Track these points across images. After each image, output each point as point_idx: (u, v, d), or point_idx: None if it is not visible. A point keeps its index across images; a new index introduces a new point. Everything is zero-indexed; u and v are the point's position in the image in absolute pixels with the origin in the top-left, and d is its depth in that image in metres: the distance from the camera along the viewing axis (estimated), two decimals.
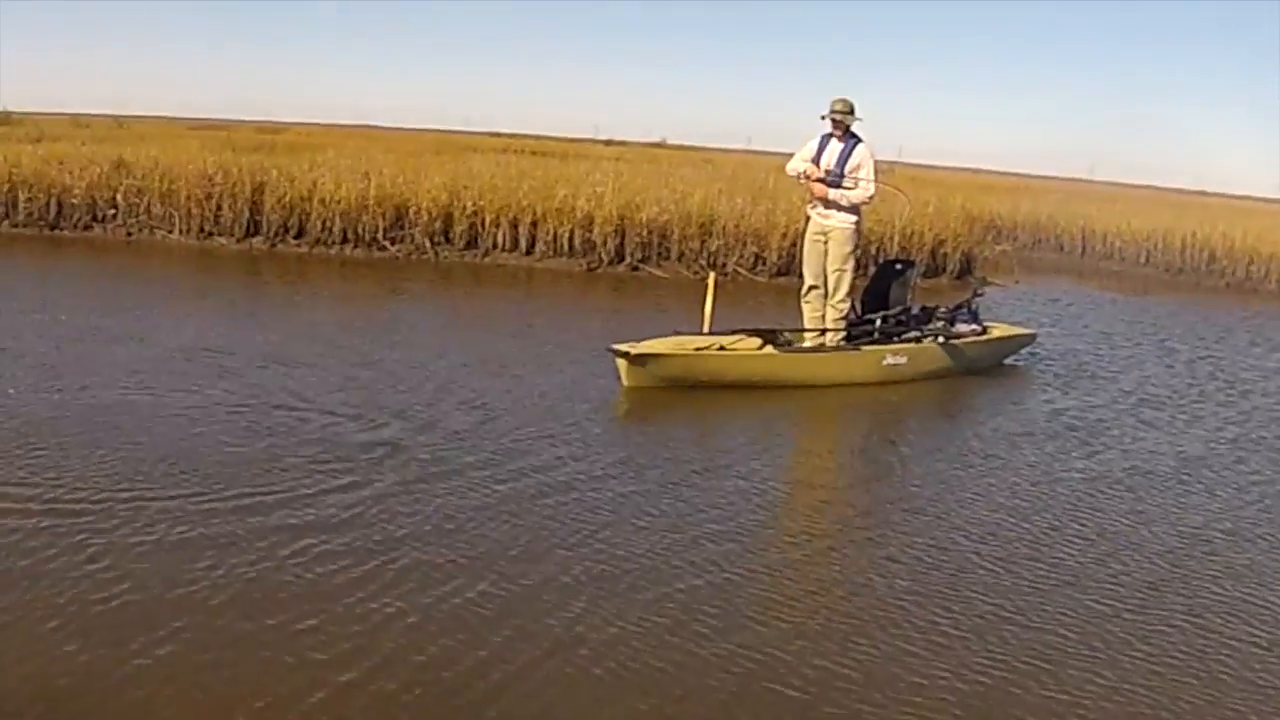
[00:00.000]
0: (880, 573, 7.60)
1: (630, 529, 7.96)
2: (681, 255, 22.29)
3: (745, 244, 22.32)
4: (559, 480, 8.86)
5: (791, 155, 13.61)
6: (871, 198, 13.27)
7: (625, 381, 11.97)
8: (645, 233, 22.14)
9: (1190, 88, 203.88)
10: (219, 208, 21.83)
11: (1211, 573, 8.05)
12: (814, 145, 13.24)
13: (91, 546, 6.90)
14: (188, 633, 5.96)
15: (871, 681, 6.02)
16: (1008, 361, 15.21)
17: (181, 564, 6.75)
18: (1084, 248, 34.50)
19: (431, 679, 5.72)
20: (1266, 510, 9.70)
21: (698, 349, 12.39)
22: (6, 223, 22.03)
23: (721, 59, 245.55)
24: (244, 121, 61.75)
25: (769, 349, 12.86)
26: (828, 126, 13.15)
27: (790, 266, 20.56)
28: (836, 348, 13.27)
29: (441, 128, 73.44)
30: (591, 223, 22.01)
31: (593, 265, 21.93)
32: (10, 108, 41.51)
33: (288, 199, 21.90)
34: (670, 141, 75.46)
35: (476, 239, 22.30)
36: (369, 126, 71.03)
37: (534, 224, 22.19)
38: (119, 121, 43.40)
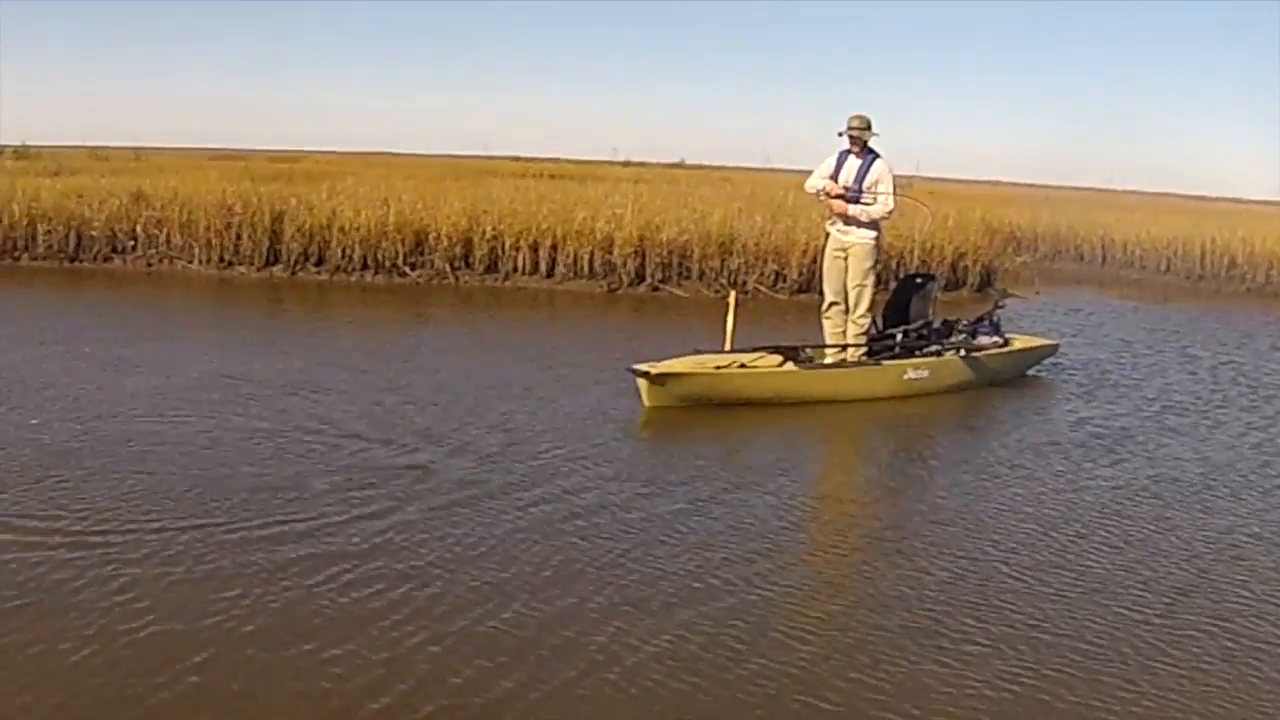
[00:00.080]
0: (909, 584, 7.59)
1: (661, 548, 7.95)
2: (702, 274, 22.33)
3: (765, 262, 22.32)
4: (587, 502, 8.85)
5: (810, 172, 13.62)
6: (891, 212, 13.27)
7: (646, 402, 11.96)
8: (665, 253, 22.17)
9: (1210, 93, 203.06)
10: (239, 237, 21.90)
11: (1239, 577, 8.02)
12: (832, 162, 13.26)
13: (119, 576, 6.90)
14: (217, 662, 5.94)
15: (903, 693, 6.01)
16: (1030, 372, 15.17)
17: (210, 593, 6.75)
18: (1104, 257, 34.44)
19: (465, 705, 5.70)
20: None
21: (718, 368, 12.39)
22: (27, 255, 22.16)
23: (738, 78, 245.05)
24: (261, 151, 61.91)
25: (790, 366, 12.84)
26: (845, 143, 13.16)
27: (811, 283, 20.55)
28: (858, 363, 13.25)
29: (460, 153, 73.51)
30: (611, 244, 22.05)
31: (613, 286, 21.96)
32: (28, 141, 41.68)
33: (307, 227, 21.96)
34: (689, 162, 75.39)
35: (497, 263, 22.32)
36: (387, 153, 71.18)
37: (554, 247, 22.20)
38: (137, 153, 43.60)
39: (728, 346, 12.66)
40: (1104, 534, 8.79)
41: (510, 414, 11.44)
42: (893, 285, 15.34)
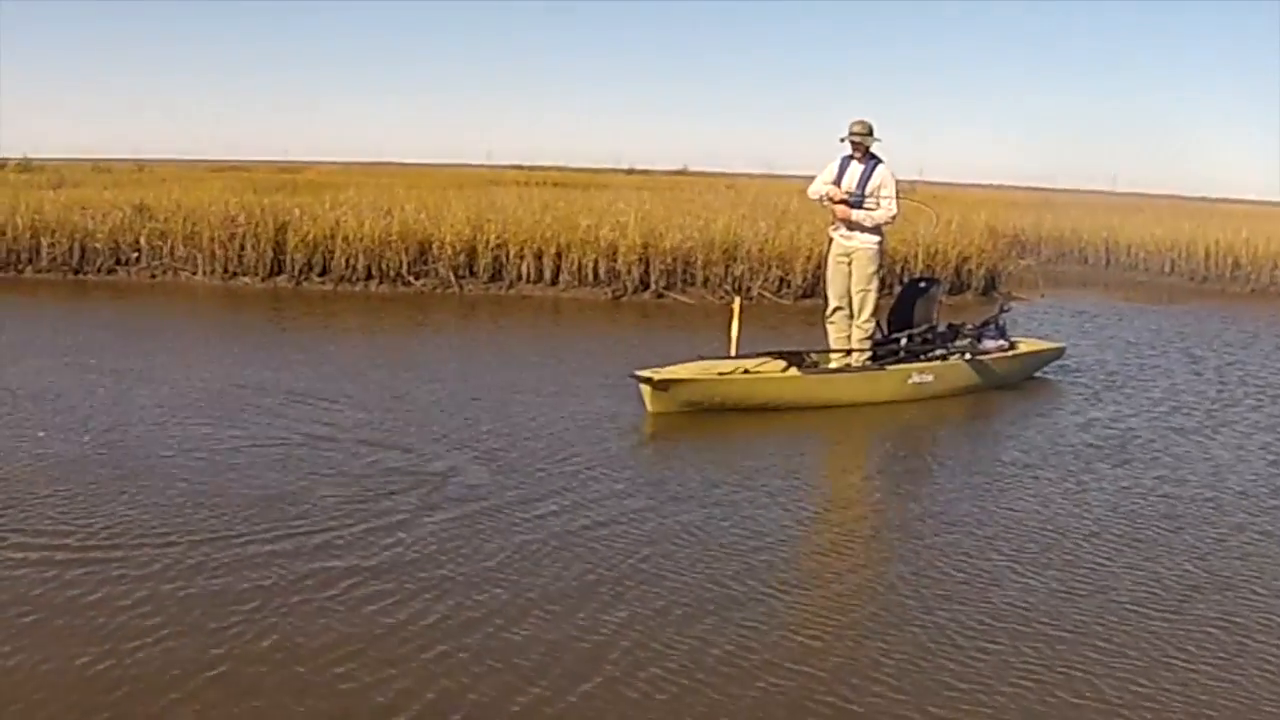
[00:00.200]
0: (918, 586, 7.60)
1: (665, 552, 7.96)
2: (706, 281, 22.31)
3: (769, 268, 22.31)
4: (600, 510, 8.83)
5: (813, 178, 13.62)
6: (894, 217, 13.29)
7: (650, 408, 11.95)
8: (669, 260, 22.15)
9: (1214, 94, 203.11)
10: (242, 248, 21.91)
11: (1245, 577, 8.02)
12: (834, 168, 13.26)
13: (130, 591, 6.88)
14: (230, 678, 5.91)
15: (912, 694, 6.01)
16: (1036, 375, 15.16)
17: (221, 607, 6.72)
18: (1108, 259, 34.40)
19: (469, 700, 5.73)
20: None
21: (721, 373, 12.38)
22: (31, 268, 22.17)
23: (740, 85, 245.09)
24: (264, 162, 62.09)
25: (793, 371, 12.85)
26: (847, 149, 13.17)
27: (815, 289, 20.54)
28: (862, 368, 13.24)
29: (463, 162, 73.59)
30: (615, 251, 22.03)
31: (618, 294, 21.95)
32: (31, 155, 41.71)
33: (311, 237, 21.95)
34: (692, 168, 75.47)
35: (501, 271, 22.33)
36: (390, 163, 71.24)
37: (558, 254, 22.20)
38: (140, 165, 43.65)
39: (732, 352, 12.65)
40: (1113, 534, 8.79)
41: (518, 422, 11.44)
42: (897, 290, 15.36)
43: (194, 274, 22.03)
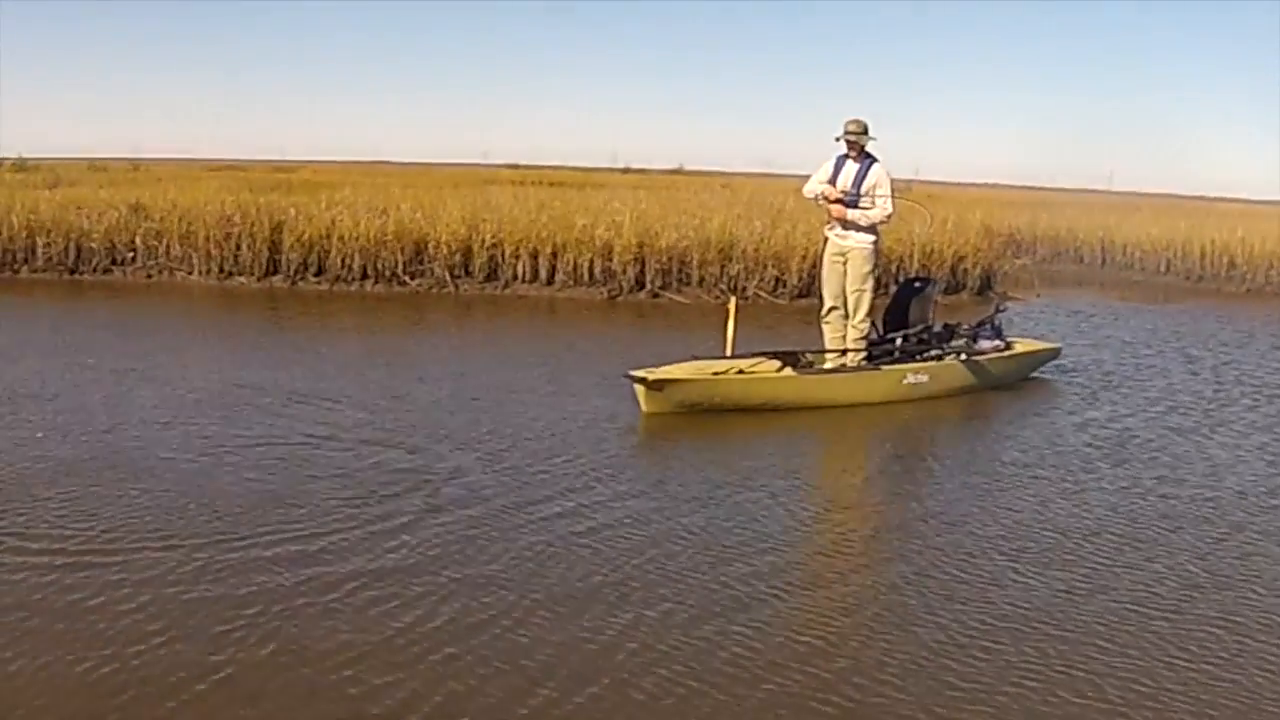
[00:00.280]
0: (918, 587, 7.61)
1: (666, 553, 7.96)
2: (702, 280, 22.32)
3: (765, 267, 22.31)
4: (601, 512, 8.81)
5: (809, 177, 13.61)
6: (890, 216, 13.26)
7: (644, 408, 11.95)
8: (665, 259, 22.15)
9: (1208, 92, 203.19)
10: (238, 247, 21.90)
11: (1245, 576, 8.04)
12: (830, 167, 13.25)
13: (131, 594, 6.86)
14: (235, 683, 5.89)
15: (913, 695, 6.03)
16: (1033, 375, 15.16)
17: (224, 611, 6.70)
18: (1104, 258, 34.45)
19: (472, 707, 5.71)
20: None
21: (716, 373, 12.38)
22: (26, 268, 22.16)
23: (736, 83, 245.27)
24: (259, 161, 62.07)
25: (788, 371, 12.84)
26: (843, 148, 13.17)
27: (811, 288, 20.49)
28: (857, 368, 13.24)
29: (459, 161, 73.55)
30: (611, 251, 22.04)
31: (613, 293, 21.96)
32: (26, 154, 41.67)
33: (307, 237, 21.95)
34: (688, 167, 75.35)
35: (497, 271, 22.32)
36: (385, 163, 71.28)
37: (554, 254, 22.20)
38: (135, 165, 43.64)
39: (729, 352, 12.65)
40: (1113, 533, 8.81)
41: (518, 422, 11.44)
42: (893, 289, 15.34)
43: (189, 274, 22.02)
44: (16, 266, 22.16)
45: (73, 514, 8.19)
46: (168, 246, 22.14)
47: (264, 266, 21.95)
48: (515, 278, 22.27)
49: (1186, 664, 6.57)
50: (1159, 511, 9.45)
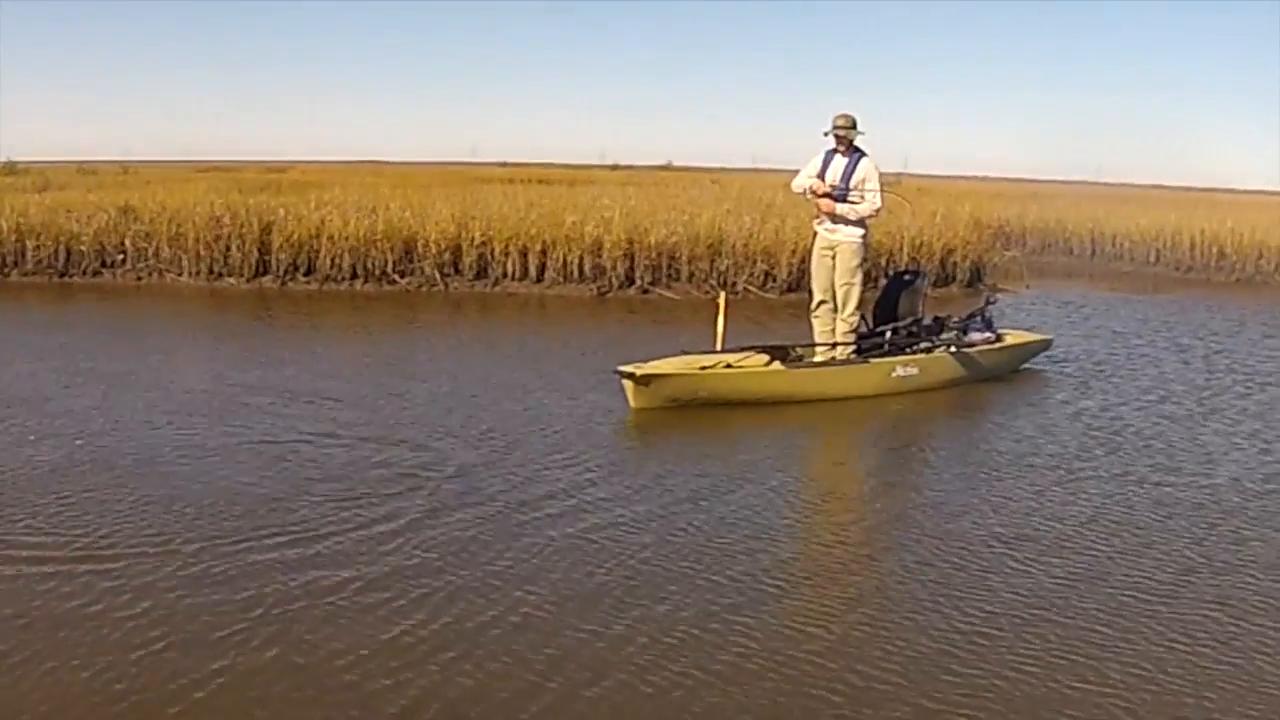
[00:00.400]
0: (916, 577, 7.62)
1: (667, 548, 7.96)
2: (691, 276, 22.32)
3: (755, 262, 22.32)
4: (598, 508, 8.81)
5: (797, 172, 13.62)
6: (878, 210, 13.29)
7: (632, 403, 11.94)
8: (654, 255, 22.16)
9: (1196, 83, 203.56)
10: (228, 248, 21.86)
11: (1241, 561, 8.07)
12: (818, 162, 13.27)
13: (129, 596, 6.84)
14: (233, 673, 5.91)
15: (918, 684, 6.04)
16: (1024, 365, 15.18)
17: (224, 612, 6.68)
18: (1093, 250, 34.48)
19: (481, 707, 5.70)
20: None
21: (703, 368, 12.37)
22: (16, 271, 22.09)
23: (723, 79, 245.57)
24: (249, 162, 62.00)
25: (776, 365, 12.84)
26: (831, 143, 13.18)
27: (800, 283, 20.41)
28: (845, 361, 13.24)
29: (448, 160, 73.56)
30: (600, 248, 22.03)
31: (603, 290, 21.95)
32: (15, 158, 41.61)
33: (296, 237, 21.91)
34: (676, 163, 75.52)
35: (486, 269, 22.31)
36: (374, 162, 71.25)
37: (543, 251, 22.18)
38: (124, 167, 43.58)
39: (719, 347, 12.65)
40: (1106, 522, 8.83)
41: (511, 420, 11.44)
42: (882, 283, 15.35)
43: (179, 275, 21.97)
44: (6, 270, 22.09)
45: (69, 518, 8.15)
46: (157, 248, 22.09)
47: (254, 267, 21.91)
48: (505, 275, 22.25)
49: (1185, 647, 6.60)
50: (1154, 499, 9.47)
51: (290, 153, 79.45)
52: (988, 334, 14.44)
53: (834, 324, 13.35)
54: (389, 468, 9.63)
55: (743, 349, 12.78)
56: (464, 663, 6.13)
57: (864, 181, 12.97)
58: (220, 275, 21.90)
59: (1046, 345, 15.78)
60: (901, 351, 13.61)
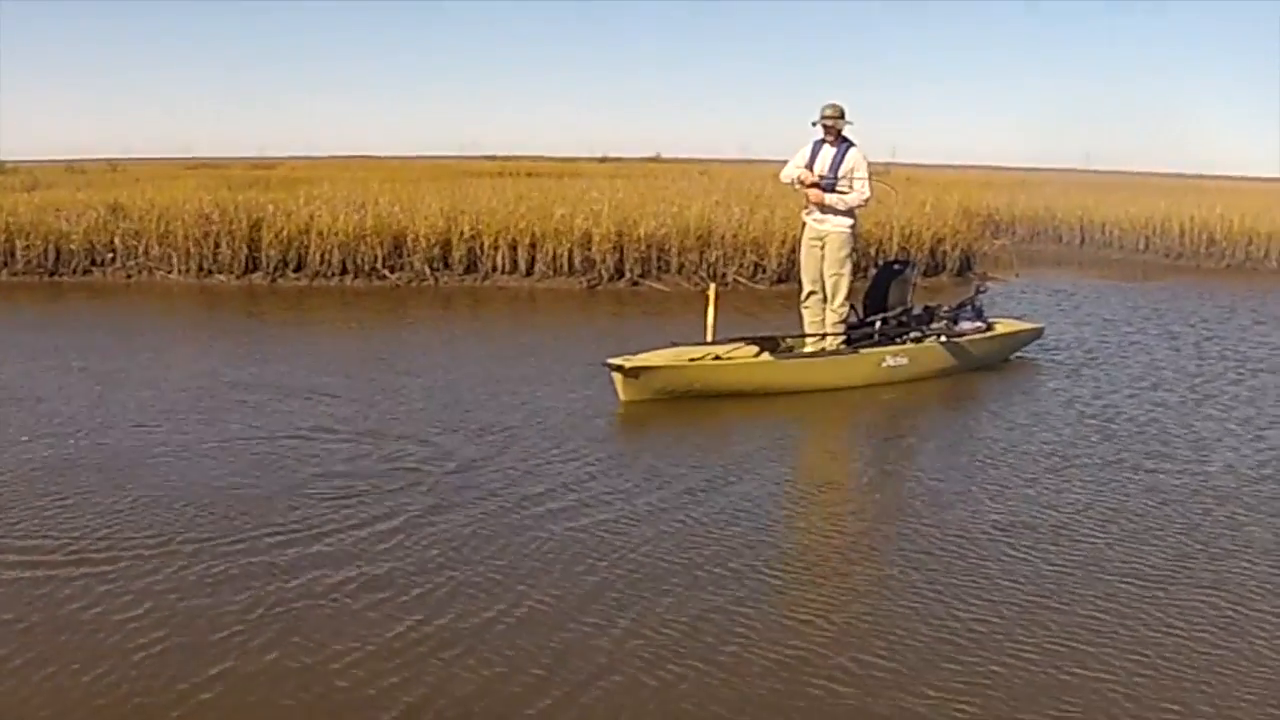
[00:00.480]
0: (914, 567, 7.63)
1: (666, 542, 7.95)
2: (681, 268, 22.33)
3: (744, 253, 22.35)
4: (589, 498, 8.85)
5: (786, 163, 13.61)
6: (867, 200, 13.29)
7: (622, 396, 11.95)
8: (644, 247, 22.16)
9: (1183, 69, 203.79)
10: (217, 245, 21.85)
11: (1236, 546, 8.10)
12: (806, 152, 13.26)
13: (126, 594, 6.84)
14: (234, 674, 5.91)
15: (917, 673, 6.07)
16: (1015, 355, 15.18)
17: (220, 605, 6.70)
18: (1083, 238, 34.49)
19: (483, 706, 5.70)
20: None
21: (692, 359, 12.36)
22: (5, 271, 22.03)
23: (711, 70, 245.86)
24: (237, 159, 61.93)
25: (765, 356, 12.84)
26: (819, 133, 13.17)
27: (790, 273, 20.41)
28: (834, 352, 13.24)
29: (437, 154, 73.56)
30: (590, 241, 22.03)
31: (593, 283, 21.95)
32: (3, 157, 41.54)
33: (285, 233, 21.91)
34: (665, 155, 75.48)
35: (476, 263, 22.31)
36: (363, 156, 71.17)
37: (533, 245, 22.18)
38: (113, 165, 43.52)
39: (709, 338, 12.65)
40: (1102, 509, 8.86)
41: (500, 414, 11.44)
42: (872, 273, 15.35)
43: (169, 273, 21.95)
44: None
45: (66, 520, 8.12)
46: (146, 246, 22.05)
47: (243, 264, 21.88)
48: (495, 269, 22.25)
49: (1183, 632, 6.64)
50: (1148, 485, 9.50)
51: (279, 149, 79.43)
52: (978, 323, 14.43)
53: (824, 314, 13.35)
54: (384, 464, 9.62)
55: (732, 340, 12.77)
56: (467, 660, 6.13)
57: (852, 171, 12.98)
58: (210, 272, 21.88)
59: (1038, 334, 15.76)
60: (891, 341, 13.59)
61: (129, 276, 22.04)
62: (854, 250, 13.48)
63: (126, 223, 22.47)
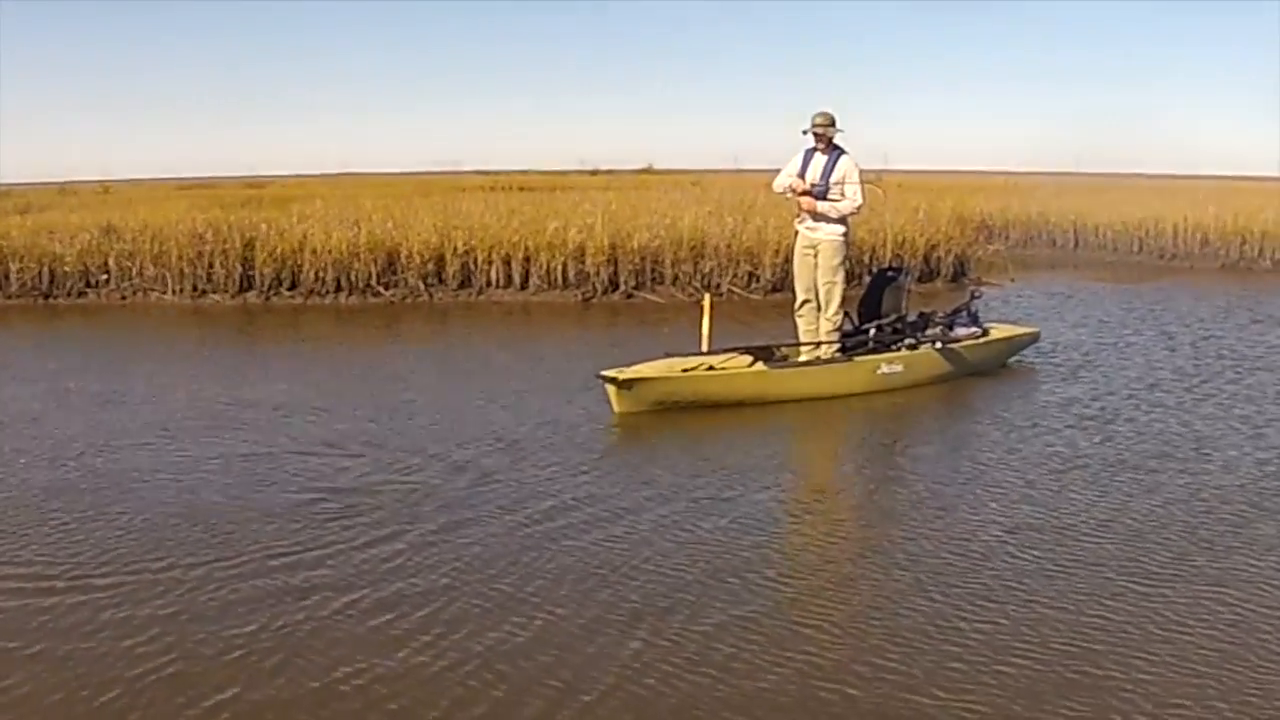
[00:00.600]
0: (921, 571, 7.63)
1: (676, 556, 7.93)
2: (675, 279, 22.31)
3: (738, 263, 22.31)
4: (592, 512, 8.83)
5: (778, 172, 13.61)
6: (859, 207, 13.29)
7: (616, 408, 11.94)
8: (638, 259, 22.15)
9: (1173, 68, 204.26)
10: (211, 265, 21.82)
11: (1236, 544, 8.11)
12: (798, 161, 13.26)
13: (131, 618, 6.83)
14: (244, 698, 5.89)
15: (928, 677, 6.08)
16: (1012, 360, 15.17)
17: (227, 628, 6.68)
18: (1077, 240, 34.44)
19: None
20: None
21: (686, 370, 12.35)
22: (0, 294, 22.03)
23: (701, 80, 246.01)
24: (229, 178, 61.94)
25: (760, 366, 12.82)
26: (810, 141, 13.17)
27: (784, 283, 20.35)
28: (829, 360, 13.21)
29: (429, 169, 73.56)
30: (584, 253, 22.00)
31: (588, 295, 21.93)
32: None
33: (279, 252, 21.88)
34: (657, 166, 75.34)
35: (470, 278, 22.30)
36: (356, 174, 71.15)
37: (526, 259, 22.16)
38: (105, 187, 43.52)
39: (705, 349, 12.63)
40: (1103, 510, 8.87)
41: (499, 429, 11.41)
42: (865, 280, 15.34)
43: (163, 293, 21.93)
44: None
45: (65, 540, 8.13)
46: (141, 267, 22.05)
47: (237, 283, 21.86)
48: (489, 284, 22.25)
49: (1186, 631, 6.65)
50: (1149, 486, 9.51)
51: (269, 167, 79.46)
52: (973, 329, 14.40)
53: (818, 323, 13.34)
54: (388, 482, 9.59)
55: (726, 350, 12.76)
56: (480, 680, 6.11)
57: (844, 179, 12.97)
58: (204, 292, 21.86)
59: (1034, 338, 15.71)
60: (886, 349, 13.57)
61: (124, 298, 22.02)
62: (847, 258, 13.48)
63: (120, 244, 22.46)
